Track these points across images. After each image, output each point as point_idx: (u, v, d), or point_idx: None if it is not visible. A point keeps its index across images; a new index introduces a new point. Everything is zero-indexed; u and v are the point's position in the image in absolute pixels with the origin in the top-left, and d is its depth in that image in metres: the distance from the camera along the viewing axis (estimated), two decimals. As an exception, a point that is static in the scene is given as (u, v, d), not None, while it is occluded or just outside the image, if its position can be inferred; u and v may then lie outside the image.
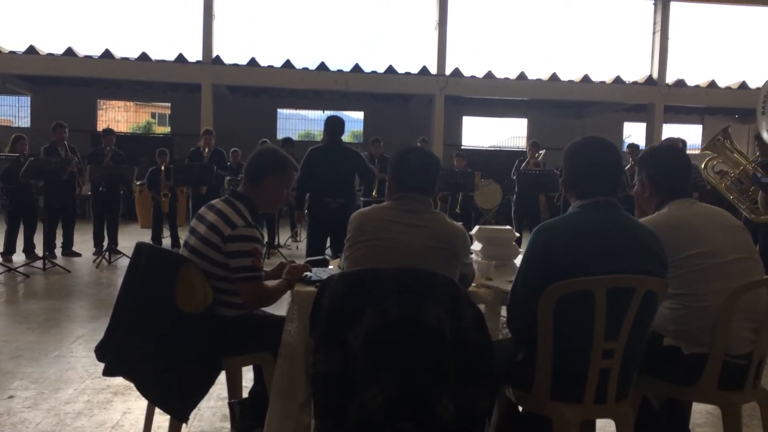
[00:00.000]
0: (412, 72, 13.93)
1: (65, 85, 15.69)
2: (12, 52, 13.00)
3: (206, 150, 8.95)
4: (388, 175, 2.45)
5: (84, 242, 8.86)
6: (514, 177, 8.87)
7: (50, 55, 13.10)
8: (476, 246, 3.10)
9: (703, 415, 3.31)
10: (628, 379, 2.13)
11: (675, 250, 2.22)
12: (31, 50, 12.98)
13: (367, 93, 15.10)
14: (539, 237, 2.11)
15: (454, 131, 17.45)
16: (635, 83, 14.47)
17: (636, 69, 15.57)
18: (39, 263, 7.33)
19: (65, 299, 5.89)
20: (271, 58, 21.10)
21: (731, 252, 2.29)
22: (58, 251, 8.35)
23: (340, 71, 13.61)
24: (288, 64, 13.53)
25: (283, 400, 2.37)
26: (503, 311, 2.58)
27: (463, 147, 16.86)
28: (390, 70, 13.80)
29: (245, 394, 3.02)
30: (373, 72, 13.83)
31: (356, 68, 13.65)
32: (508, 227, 3.34)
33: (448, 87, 13.75)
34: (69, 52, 13.03)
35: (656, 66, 14.21)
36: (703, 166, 6.60)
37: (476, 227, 3.28)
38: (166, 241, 9.40)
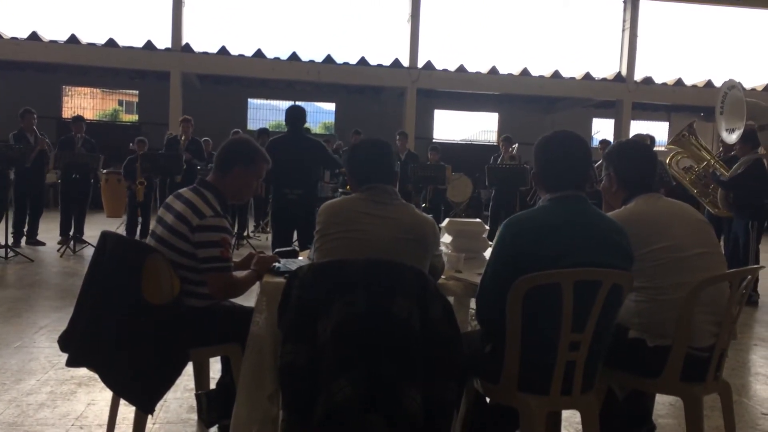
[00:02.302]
0: (385, 64, 13.93)
1: (30, 70, 15.30)
2: (-27, 36, 12.65)
3: (183, 138, 8.85)
4: (347, 173, 2.47)
5: (48, 231, 8.68)
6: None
7: (14, 39, 12.77)
8: (446, 238, 3.12)
9: (665, 406, 3.37)
10: (594, 371, 2.16)
11: (640, 243, 2.26)
12: (-6, 34, 12.64)
13: (339, 84, 15.05)
14: (508, 230, 2.12)
15: (426, 124, 17.48)
16: (604, 80, 14.68)
17: (605, 66, 15.83)
18: (1, 251, 7.16)
19: (28, 289, 5.77)
20: (242, 47, 20.84)
21: (695, 246, 2.33)
22: (22, 240, 8.18)
23: (311, 62, 13.54)
24: (259, 54, 13.41)
25: (251, 391, 2.36)
26: (472, 303, 2.59)
27: (434, 140, 16.91)
28: (362, 62, 13.78)
29: (212, 386, 2.99)
30: (345, 63, 13.79)
31: (328, 59, 13.60)
32: (477, 220, 3.36)
33: (420, 80, 13.77)
34: (34, 36, 12.73)
35: (625, 63, 14.43)
36: (668, 160, 6.73)
37: (446, 220, 3.30)
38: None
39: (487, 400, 2.44)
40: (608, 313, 2.07)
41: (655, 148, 7.04)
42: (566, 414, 2.89)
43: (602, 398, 2.37)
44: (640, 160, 2.50)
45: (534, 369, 2.08)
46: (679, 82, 14.89)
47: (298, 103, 17.11)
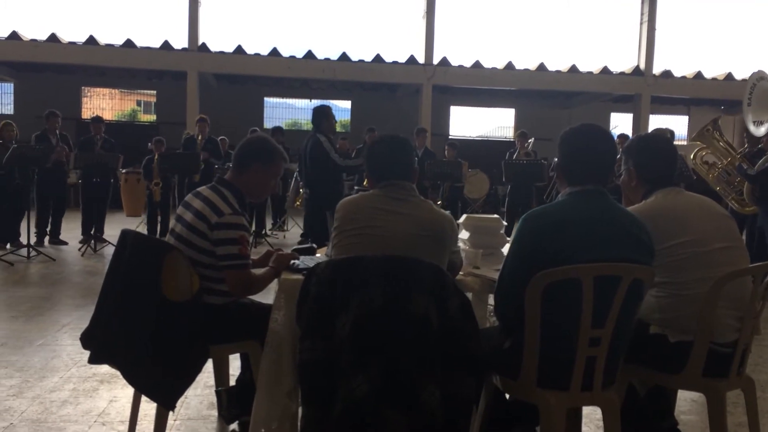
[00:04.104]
0: (400, 61, 13.89)
1: (49, 72, 15.47)
2: (-6, 38, 12.81)
3: (200, 138, 8.92)
4: (365, 170, 2.47)
5: (70, 230, 8.79)
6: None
7: (33, 41, 12.91)
8: (464, 234, 3.10)
9: (688, 402, 3.34)
10: (615, 367, 2.14)
11: (661, 238, 2.23)
12: (14, 36, 12.79)
13: (354, 82, 15.04)
14: (527, 224, 2.11)
15: (442, 121, 17.44)
16: (622, 74, 14.53)
17: (623, 60, 15.67)
18: (24, 251, 7.26)
19: (50, 287, 5.84)
20: (257, 45, 20.96)
21: (717, 241, 2.30)
22: (45, 239, 8.30)
23: (327, 60, 13.54)
24: (275, 52, 13.43)
25: (270, 387, 2.37)
26: (490, 300, 2.58)
27: (450, 137, 16.85)
28: (377, 59, 13.75)
29: (232, 382, 3.01)
30: (361, 61, 13.77)
31: (343, 57, 13.59)
32: (495, 216, 3.35)
33: (436, 76, 13.72)
34: (53, 38, 12.86)
35: (643, 57, 14.26)
36: (692, 156, 6.64)
37: (464, 216, 3.29)
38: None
39: (507, 396, 2.43)
40: (629, 308, 2.05)
41: (674, 143, 6.95)
42: (587, 410, 2.87)
43: (623, 394, 2.35)
44: (661, 154, 2.47)
45: (553, 365, 2.07)
46: (698, 75, 14.70)
47: (314, 101, 17.19)
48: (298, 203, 9.55)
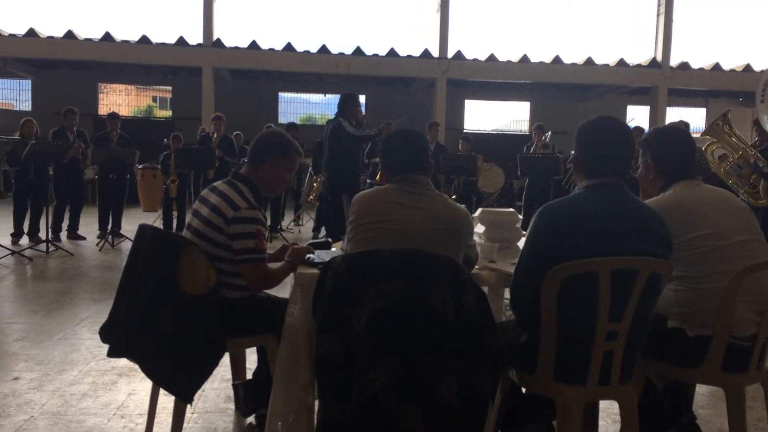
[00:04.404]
0: (414, 55, 13.86)
1: (66, 68, 15.61)
2: (12, 35, 12.94)
3: (215, 135, 8.97)
4: (380, 164, 2.47)
5: (88, 225, 8.88)
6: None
7: (51, 38, 13.03)
8: (479, 228, 3.10)
9: (706, 396, 3.32)
10: (632, 361, 2.13)
11: (680, 231, 2.21)
12: (32, 33, 12.92)
13: (368, 76, 15.03)
14: (543, 218, 2.10)
15: (456, 115, 17.38)
16: (639, 66, 14.40)
17: (640, 51, 15.52)
18: (43, 246, 7.35)
19: (69, 282, 5.91)
20: (272, 41, 20.95)
21: (737, 234, 2.28)
22: (63, 234, 8.41)
23: (341, 54, 13.54)
24: (289, 47, 13.45)
25: (287, 381, 2.38)
26: (506, 294, 2.58)
27: (465, 131, 16.81)
28: (392, 53, 13.74)
29: (249, 376, 3.03)
30: (375, 55, 13.76)
31: (358, 51, 13.59)
32: (511, 210, 3.34)
33: (450, 70, 13.68)
34: (69, 35, 12.97)
35: (660, 48, 14.12)
36: (704, 149, 6.59)
37: (479, 210, 3.28)
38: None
39: (523, 390, 2.43)
40: (646, 302, 2.03)
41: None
42: (604, 404, 2.86)
43: (641, 388, 2.33)
44: (679, 147, 2.45)
45: (570, 359, 2.06)
46: (716, 67, 14.53)
47: (329, 96, 17.20)
48: (311, 198, 9.59)
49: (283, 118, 17.00)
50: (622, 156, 2.15)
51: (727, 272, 2.19)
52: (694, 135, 2.42)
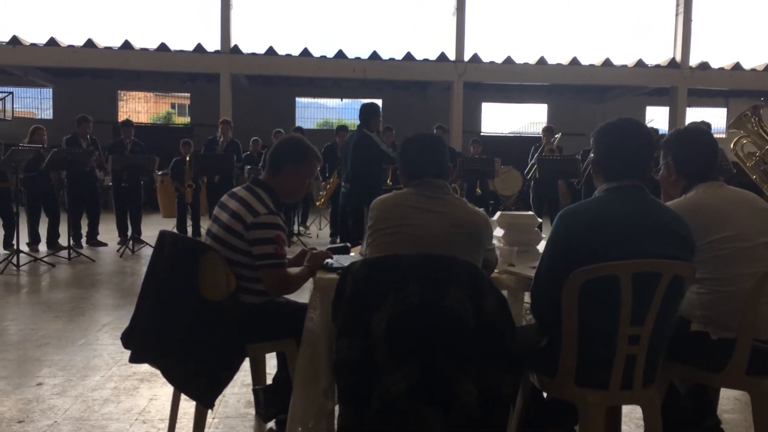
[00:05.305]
0: (430, 59, 13.85)
1: (86, 76, 15.82)
2: (33, 45, 13.13)
3: (222, 140, 9.01)
4: (399, 167, 2.47)
5: (108, 232, 8.97)
6: (533, 163, 8.81)
7: (71, 47, 13.20)
8: (498, 232, 3.08)
9: (731, 401, 3.27)
10: (655, 365, 2.10)
11: (702, 233, 2.19)
12: (52, 42, 13.10)
13: (385, 80, 15.05)
14: (563, 222, 2.09)
15: (473, 118, 17.33)
16: (658, 66, 14.26)
17: (658, 52, 15.38)
18: (64, 253, 7.43)
19: (90, 288, 5.97)
20: (288, 46, 21.11)
21: (760, 235, 2.25)
22: (83, 241, 8.48)
23: (357, 59, 13.57)
24: (306, 53, 13.51)
25: (307, 386, 2.38)
26: (526, 297, 2.56)
27: (482, 134, 16.76)
28: (408, 57, 13.74)
29: (269, 381, 3.04)
30: (391, 59, 13.77)
31: (374, 56, 13.61)
32: (530, 213, 3.32)
33: (467, 73, 13.65)
34: (89, 43, 13.13)
35: (679, 48, 13.97)
36: (732, 145, 6.48)
37: (498, 213, 3.26)
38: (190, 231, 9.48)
39: (544, 394, 2.41)
40: (669, 305, 2.01)
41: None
42: (626, 409, 2.82)
43: (664, 393, 2.31)
44: (700, 148, 2.42)
45: (592, 363, 2.04)
46: (737, 66, 14.34)
47: (345, 100, 17.23)
48: (319, 203, 9.61)
49: (301, 123, 17.07)
50: (641, 158, 2.13)
51: (750, 274, 2.16)
52: (715, 135, 2.38)
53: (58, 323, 4.69)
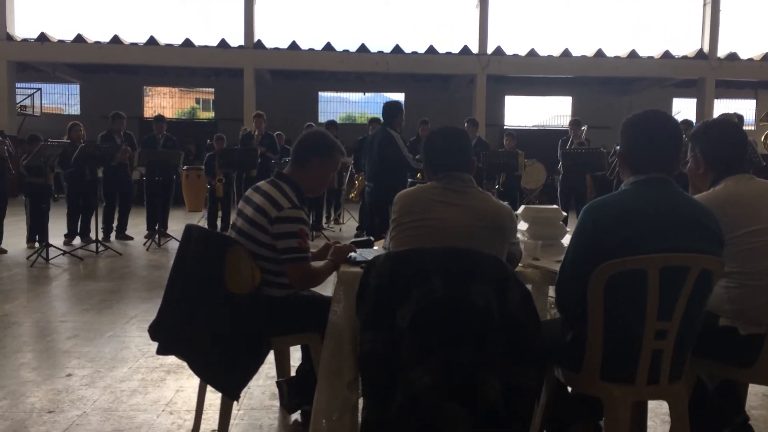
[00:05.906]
0: (453, 52, 13.79)
1: (113, 72, 16.04)
2: (61, 41, 13.34)
3: (256, 133, 9.11)
4: (422, 162, 2.47)
5: (135, 226, 9.09)
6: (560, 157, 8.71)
7: (98, 43, 13.39)
8: (522, 226, 3.07)
9: (759, 397, 3.22)
10: (682, 360, 2.08)
11: (731, 227, 2.15)
12: (79, 39, 13.30)
13: (407, 74, 15.02)
14: (589, 215, 2.07)
15: (497, 111, 17.24)
16: (685, 57, 14.05)
17: (686, 43, 15.16)
18: (92, 246, 7.56)
19: (118, 281, 6.07)
20: (311, 41, 21.11)
21: (791, 229, 2.20)
22: (112, 235, 8.65)
23: (380, 53, 13.57)
24: (329, 47, 13.55)
25: (331, 379, 2.40)
26: (551, 291, 2.55)
27: (505, 127, 16.65)
28: (431, 50, 13.70)
29: (293, 373, 3.06)
30: (414, 53, 13.74)
31: (397, 49, 13.60)
32: (554, 206, 3.30)
33: (490, 66, 13.57)
34: (116, 39, 13.31)
35: (707, 39, 13.75)
36: (763, 138, 6.37)
37: (522, 206, 3.24)
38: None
39: (569, 389, 2.39)
40: (697, 300, 1.98)
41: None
42: (652, 404, 2.80)
43: (691, 388, 2.28)
44: (729, 140, 2.38)
45: (617, 358, 2.02)
46: (766, 57, 14.07)
47: (368, 94, 17.23)
48: (353, 195, 9.63)
49: (323, 117, 17.13)
50: (669, 151, 2.10)
51: (781, 268, 2.12)
52: (745, 128, 2.35)
53: (87, 316, 4.77)
